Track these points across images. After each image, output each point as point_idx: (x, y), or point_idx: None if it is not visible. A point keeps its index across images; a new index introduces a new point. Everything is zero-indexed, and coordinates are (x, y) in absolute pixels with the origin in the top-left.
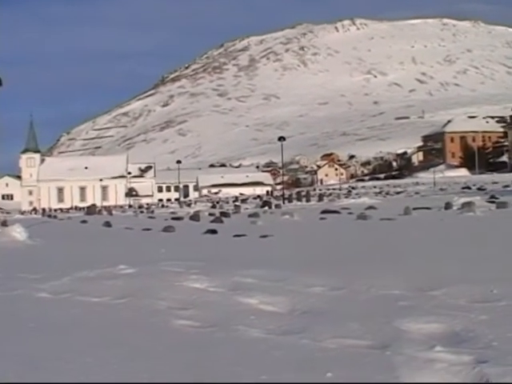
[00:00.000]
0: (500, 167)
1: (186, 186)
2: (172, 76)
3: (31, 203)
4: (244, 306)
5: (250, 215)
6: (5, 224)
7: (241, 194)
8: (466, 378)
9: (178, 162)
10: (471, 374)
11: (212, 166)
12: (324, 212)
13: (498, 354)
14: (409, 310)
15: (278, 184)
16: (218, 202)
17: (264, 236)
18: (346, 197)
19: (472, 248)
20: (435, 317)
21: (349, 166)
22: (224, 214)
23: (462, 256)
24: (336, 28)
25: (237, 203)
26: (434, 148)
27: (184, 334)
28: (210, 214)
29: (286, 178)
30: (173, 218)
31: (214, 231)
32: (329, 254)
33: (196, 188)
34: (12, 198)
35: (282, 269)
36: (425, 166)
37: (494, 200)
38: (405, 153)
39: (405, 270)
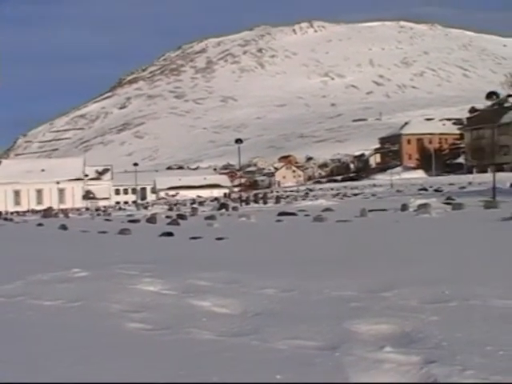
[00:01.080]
0: (456, 169)
1: (144, 189)
2: (129, 78)
3: None
4: (197, 308)
5: (207, 217)
6: None
7: (198, 197)
8: (413, 378)
9: (135, 164)
10: (419, 374)
11: (169, 168)
12: (281, 214)
13: (447, 354)
14: (360, 312)
15: (236, 186)
16: (175, 205)
17: (220, 238)
18: (304, 199)
19: (425, 249)
20: (386, 318)
21: (306, 168)
22: (181, 217)
23: (415, 257)
24: (294, 30)
25: (194, 205)
26: (391, 150)
27: (135, 337)
28: (167, 217)
29: (243, 180)
30: (129, 221)
31: (170, 234)
32: (283, 256)
33: (153, 190)
34: None
35: (235, 271)
36: (382, 167)
37: (450, 201)
38: (362, 155)
39: (358, 271)
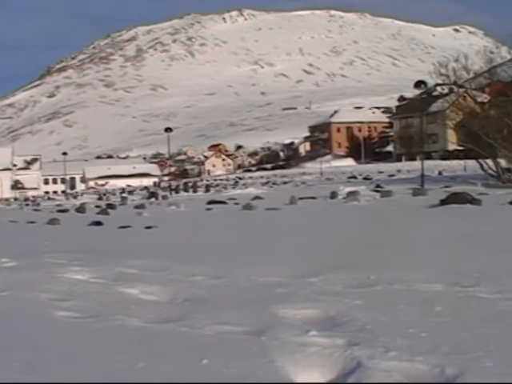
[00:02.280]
0: (386, 157)
1: (73, 178)
2: (58, 66)
3: None
4: (125, 296)
5: (137, 206)
6: None
7: (128, 186)
8: (337, 361)
9: (64, 153)
10: (343, 357)
11: (99, 157)
12: (210, 202)
13: (370, 337)
14: (286, 297)
15: (166, 175)
16: (104, 194)
17: (149, 227)
18: (233, 187)
19: (352, 235)
20: (311, 303)
21: (236, 157)
22: (110, 206)
23: (342, 243)
24: (224, 19)
25: (124, 195)
26: (320, 138)
27: (64, 325)
28: (97, 206)
29: (173, 169)
30: (58, 211)
31: (99, 223)
32: (212, 244)
33: (83, 180)
34: None
35: (164, 259)
36: (312, 156)
37: (379, 189)
38: (292, 143)
39: (286, 257)
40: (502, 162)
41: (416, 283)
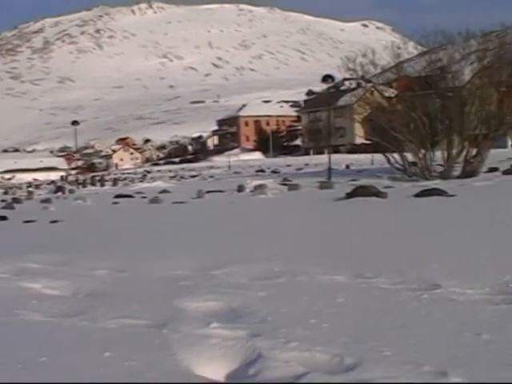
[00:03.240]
0: (294, 150)
1: None
2: None
3: None
4: (27, 290)
5: (43, 201)
6: None
7: (35, 180)
8: (238, 352)
9: None
10: (244, 348)
11: (5, 151)
12: (118, 196)
13: (272, 328)
14: (190, 290)
15: (73, 169)
16: (10, 188)
17: (54, 221)
18: (141, 181)
19: (257, 228)
20: (214, 295)
21: (144, 150)
22: (16, 200)
23: (247, 236)
24: (133, 11)
25: (30, 189)
26: (228, 132)
27: None
28: (2, 201)
29: (80, 162)
30: None
31: (3, 217)
32: (117, 238)
33: None
34: None
35: (68, 253)
36: (220, 149)
37: (286, 182)
38: (200, 137)
39: (190, 250)
40: (409, 156)
41: (319, 275)
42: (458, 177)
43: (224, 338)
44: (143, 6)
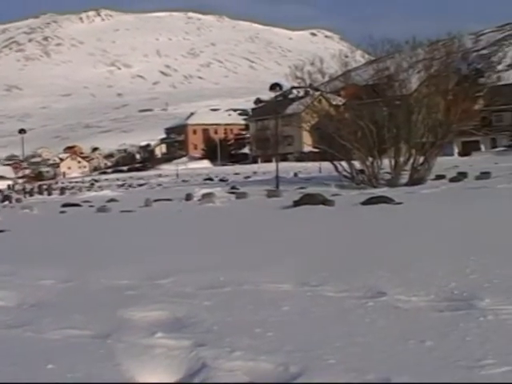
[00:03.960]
0: (242, 159)
1: None
2: None
3: None
4: None
5: None
6: None
7: None
8: (183, 362)
9: None
10: (188, 358)
11: None
12: (65, 205)
13: (217, 338)
14: (135, 299)
15: (20, 178)
16: None
17: (1, 231)
18: (89, 190)
19: (203, 237)
20: (160, 305)
21: (92, 159)
22: None
23: (195, 245)
24: (81, 19)
25: None
26: (176, 140)
27: None
28: None
29: (27, 171)
30: None
31: None
32: (63, 247)
33: None
34: None
35: (13, 263)
36: (168, 158)
37: (234, 191)
38: (148, 145)
39: (137, 260)
40: (356, 164)
41: (265, 283)
42: (406, 184)
43: (169, 347)
44: (91, 13)
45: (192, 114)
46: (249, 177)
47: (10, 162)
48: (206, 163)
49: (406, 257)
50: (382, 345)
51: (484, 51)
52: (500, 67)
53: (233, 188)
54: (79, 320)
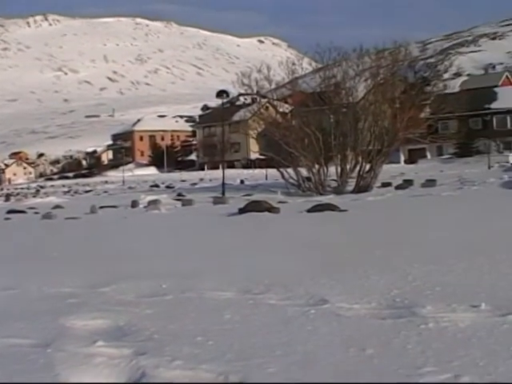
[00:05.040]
0: (188, 165)
1: None
2: None
3: None
4: None
5: None
6: None
7: None
8: (123, 371)
9: None
10: (129, 366)
11: None
12: (10, 212)
13: (157, 346)
14: (77, 307)
15: None
16: None
17: None
18: (34, 196)
19: (148, 244)
20: (102, 313)
21: (38, 165)
22: None
23: (140, 253)
24: (28, 23)
25: None
26: (123, 146)
27: None
28: None
29: None
30: None
31: None
32: (6, 255)
33: None
34: None
35: None
36: (114, 164)
37: (180, 198)
38: (95, 151)
39: (78, 267)
40: (303, 171)
41: (207, 291)
42: (352, 192)
43: (109, 356)
44: (39, 18)
45: (139, 120)
46: (195, 184)
47: None
48: (152, 170)
49: (349, 264)
50: (323, 353)
51: (431, 60)
52: (446, 76)
53: (179, 195)
54: (20, 328)
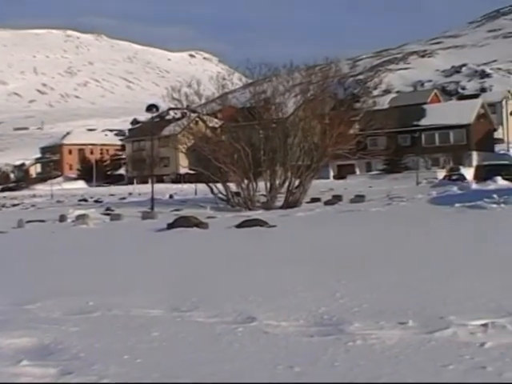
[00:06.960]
0: (118, 179)
1: None
2: None
3: None
4: None
5: None
6: None
7: None
8: None
9: None
10: None
11: None
12: None
13: (84, 365)
14: (2, 325)
15: None
16: None
17: None
18: None
19: (74, 261)
20: (27, 331)
21: None
22: None
23: (64, 269)
24: None
25: None
26: (52, 160)
27: None
28: None
29: None
30: None
31: None
32: None
33: None
34: None
35: None
36: (43, 177)
37: (109, 212)
38: (23, 164)
39: (4, 283)
40: (232, 186)
41: (135, 308)
42: (281, 207)
43: (34, 376)
44: None
45: (68, 133)
46: (124, 198)
47: None
48: (81, 184)
49: (278, 281)
50: (251, 370)
51: (360, 76)
52: (376, 92)
53: (107, 209)
54: None
